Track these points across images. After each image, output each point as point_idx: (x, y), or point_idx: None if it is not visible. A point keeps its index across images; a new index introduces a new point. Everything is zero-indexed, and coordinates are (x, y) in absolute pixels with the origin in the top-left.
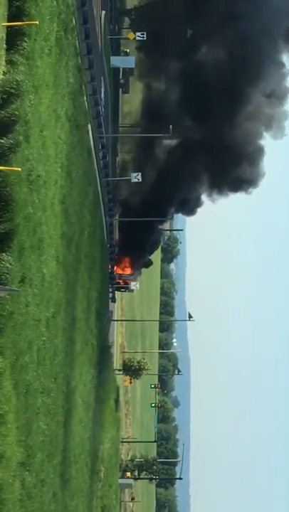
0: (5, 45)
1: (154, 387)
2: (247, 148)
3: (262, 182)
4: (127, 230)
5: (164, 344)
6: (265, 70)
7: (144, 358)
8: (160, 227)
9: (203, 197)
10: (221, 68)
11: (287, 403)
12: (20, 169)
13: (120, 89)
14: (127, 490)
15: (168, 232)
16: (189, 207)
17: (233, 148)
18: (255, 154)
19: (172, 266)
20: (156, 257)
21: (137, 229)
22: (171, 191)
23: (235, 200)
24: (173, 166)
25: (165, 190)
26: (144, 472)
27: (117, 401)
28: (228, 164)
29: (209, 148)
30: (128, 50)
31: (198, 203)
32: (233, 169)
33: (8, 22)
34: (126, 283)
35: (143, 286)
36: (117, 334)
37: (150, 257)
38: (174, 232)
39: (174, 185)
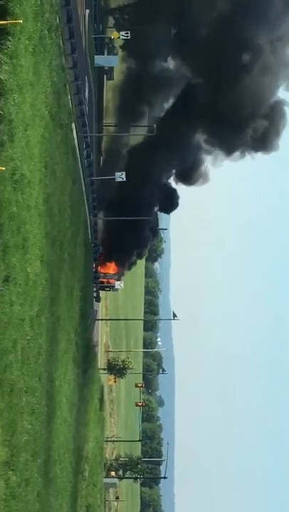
0: None
1: (139, 387)
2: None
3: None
4: (112, 229)
5: (149, 343)
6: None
7: (128, 357)
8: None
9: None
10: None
11: (271, 402)
12: (4, 168)
13: (105, 76)
14: (111, 489)
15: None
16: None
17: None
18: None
19: (156, 265)
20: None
21: (121, 228)
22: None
23: (218, 199)
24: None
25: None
26: (129, 471)
27: (101, 400)
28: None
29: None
30: (116, 46)
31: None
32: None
33: None
34: (110, 282)
35: (127, 286)
36: (102, 333)
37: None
38: (159, 231)
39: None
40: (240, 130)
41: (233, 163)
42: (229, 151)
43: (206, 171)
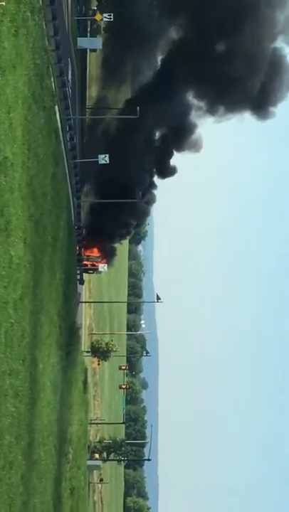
0: None
1: (122, 369)
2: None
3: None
4: (96, 211)
5: (132, 326)
6: None
7: (112, 340)
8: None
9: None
10: None
11: (255, 385)
12: None
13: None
14: (95, 471)
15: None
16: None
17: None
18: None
19: (140, 247)
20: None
21: (105, 210)
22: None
23: (201, 182)
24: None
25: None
26: (113, 454)
27: (85, 383)
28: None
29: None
30: (99, 25)
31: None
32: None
33: None
34: (94, 265)
35: (111, 268)
36: (85, 316)
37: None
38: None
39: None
40: (234, 86)
41: (219, 143)
42: (223, 108)
43: (198, 139)
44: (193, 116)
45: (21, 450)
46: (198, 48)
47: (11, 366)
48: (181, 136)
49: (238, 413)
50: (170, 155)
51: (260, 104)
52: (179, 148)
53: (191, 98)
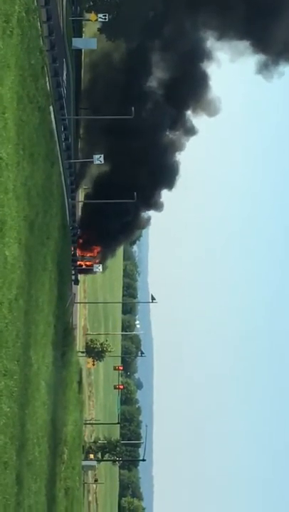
0: None
1: (117, 369)
2: None
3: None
4: (92, 212)
5: (127, 326)
6: None
7: (106, 340)
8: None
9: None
10: None
11: (252, 384)
12: None
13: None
14: (90, 472)
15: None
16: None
17: None
18: None
19: (135, 248)
20: None
21: (101, 211)
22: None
23: (198, 183)
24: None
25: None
26: (108, 454)
27: (80, 383)
28: None
29: None
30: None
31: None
32: None
33: None
34: (88, 265)
35: (105, 269)
36: (80, 316)
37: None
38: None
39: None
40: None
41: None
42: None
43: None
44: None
45: (16, 450)
46: None
47: (5, 367)
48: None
49: (234, 412)
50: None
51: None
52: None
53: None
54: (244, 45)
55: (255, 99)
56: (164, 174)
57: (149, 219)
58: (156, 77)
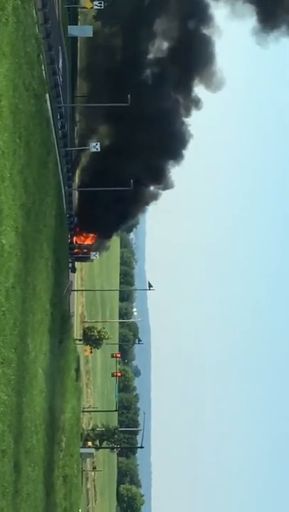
0: None
1: (115, 357)
2: None
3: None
4: (89, 200)
5: (124, 313)
6: None
7: (104, 328)
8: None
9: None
10: None
11: (249, 371)
12: None
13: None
14: (88, 459)
15: None
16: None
17: None
18: None
19: (132, 235)
20: None
21: (99, 199)
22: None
23: (194, 168)
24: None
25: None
26: (106, 441)
27: (77, 371)
28: None
29: None
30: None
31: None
32: None
33: None
34: (85, 253)
35: (103, 256)
36: (77, 304)
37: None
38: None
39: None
40: None
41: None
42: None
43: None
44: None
45: (14, 438)
46: None
47: (3, 355)
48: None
49: (231, 399)
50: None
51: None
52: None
53: None
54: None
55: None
56: (171, 145)
57: (156, 194)
58: (157, 50)
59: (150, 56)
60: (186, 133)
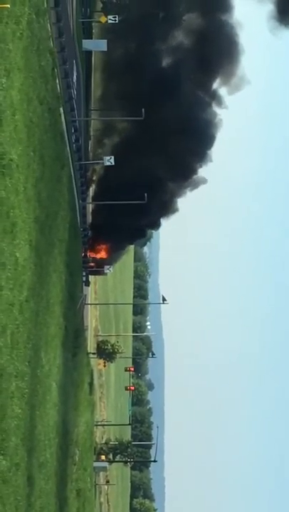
0: None
1: (128, 371)
2: None
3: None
4: (103, 213)
5: (138, 327)
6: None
7: (118, 341)
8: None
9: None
10: None
11: (262, 386)
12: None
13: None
14: (101, 473)
15: None
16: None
17: None
18: None
19: (145, 249)
20: None
21: (113, 212)
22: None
23: (211, 184)
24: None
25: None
26: (119, 455)
27: (91, 384)
28: None
29: None
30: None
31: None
32: None
33: None
34: (99, 266)
35: (116, 270)
36: (91, 317)
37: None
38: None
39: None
40: None
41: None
42: None
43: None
44: None
45: (27, 452)
46: None
47: (17, 368)
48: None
49: (246, 414)
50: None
51: None
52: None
53: None
54: None
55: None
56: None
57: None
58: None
59: (164, 67)
60: (204, 148)
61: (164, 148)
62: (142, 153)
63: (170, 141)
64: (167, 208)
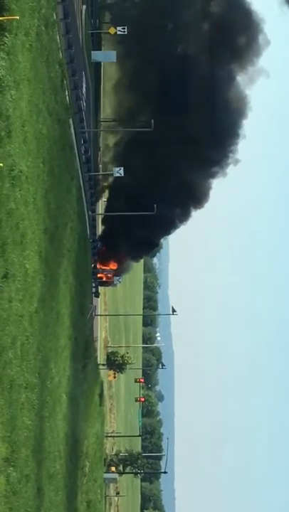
0: None
1: (138, 382)
2: None
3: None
4: (113, 224)
5: (148, 338)
6: None
7: (127, 353)
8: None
9: None
10: None
11: (271, 395)
12: (2, 164)
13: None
14: (112, 484)
15: None
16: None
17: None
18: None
19: (155, 260)
20: None
21: (122, 224)
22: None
23: (219, 194)
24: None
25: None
26: (129, 466)
27: (101, 395)
28: None
29: None
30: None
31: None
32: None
33: None
34: (109, 278)
35: (126, 281)
36: (101, 329)
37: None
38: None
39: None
40: None
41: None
42: None
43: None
44: None
45: (37, 463)
46: None
47: (26, 379)
48: None
49: (256, 424)
50: None
51: None
52: None
53: None
54: None
55: None
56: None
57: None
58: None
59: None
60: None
61: (175, 159)
62: (151, 164)
63: (181, 150)
64: (178, 218)
